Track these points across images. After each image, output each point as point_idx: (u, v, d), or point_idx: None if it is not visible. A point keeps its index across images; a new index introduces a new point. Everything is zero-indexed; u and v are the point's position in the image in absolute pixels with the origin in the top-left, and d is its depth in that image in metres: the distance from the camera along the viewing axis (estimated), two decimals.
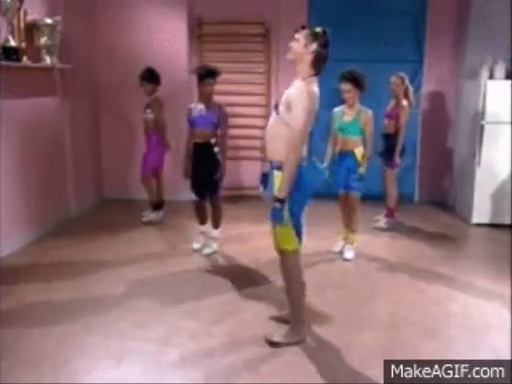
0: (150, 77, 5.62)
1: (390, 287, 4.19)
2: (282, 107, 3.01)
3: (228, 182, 6.65)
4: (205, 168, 4.66)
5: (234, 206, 6.48)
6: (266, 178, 3.26)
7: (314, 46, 3.01)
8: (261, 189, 3.35)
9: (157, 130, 5.69)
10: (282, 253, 3.19)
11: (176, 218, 5.94)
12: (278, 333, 3.24)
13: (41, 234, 5.17)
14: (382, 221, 5.79)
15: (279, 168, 3.01)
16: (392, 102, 5.64)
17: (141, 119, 5.80)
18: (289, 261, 3.18)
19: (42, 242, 5.06)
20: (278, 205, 2.96)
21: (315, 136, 6.52)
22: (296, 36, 3.06)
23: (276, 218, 3.01)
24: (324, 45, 3.04)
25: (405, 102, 5.50)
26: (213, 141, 4.63)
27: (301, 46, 3.03)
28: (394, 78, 5.53)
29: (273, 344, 3.18)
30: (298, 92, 2.96)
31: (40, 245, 5.00)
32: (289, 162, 2.93)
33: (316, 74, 3.07)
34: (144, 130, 5.79)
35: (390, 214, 5.79)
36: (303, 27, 3.09)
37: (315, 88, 3.04)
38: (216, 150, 4.63)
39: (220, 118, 4.64)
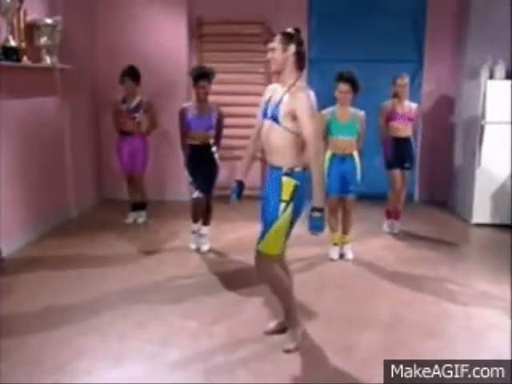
0: (133, 74, 5.46)
1: (390, 288, 4.17)
2: (284, 117, 2.93)
3: (225, 181, 6.67)
4: (205, 168, 4.74)
5: (231, 205, 6.45)
6: (239, 188, 3.30)
7: (292, 48, 2.96)
8: (233, 198, 3.36)
9: (146, 132, 5.65)
10: (263, 256, 3.07)
11: (174, 218, 5.91)
12: (287, 341, 3.19)
13: (40, 233, 5.16)
14: (396, 226, 5.62)
15: (288, 174, 2.97)
16: (399, 104, 5.28)
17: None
18: (267, 265, 3.08)
19: (41, 242, 5.05)
20: (318, 214, 2.91)
21: None
22: (270, 46, 3.01)
23: (318, 227, 2.94)
24: (301, 43, 3.00)
25: (416, 104, 5.43)
26: (211, 142, 4.75)
27: (280, 53, 2.97)
28: (403, 80, 5.25)
29: (289, 351, 3.13)
30: (301, 102, 2.89)
31: (39, 244, 4.99)
32: (317, 169, 2.90)
33: (300, 72, 3.04)
34: (134, 131, 5.60)
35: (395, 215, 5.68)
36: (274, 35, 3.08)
37: (311, 92, 2.99)
38: (214, 149, 4.77)
39: (219, 121, 4.79)
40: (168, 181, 6.44)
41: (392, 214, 5.65)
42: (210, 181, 4.79)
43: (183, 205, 5.93)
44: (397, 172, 5.43)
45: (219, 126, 4.81)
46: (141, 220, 5.78)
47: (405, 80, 5.27)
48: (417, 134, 6.76)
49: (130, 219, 5.78)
